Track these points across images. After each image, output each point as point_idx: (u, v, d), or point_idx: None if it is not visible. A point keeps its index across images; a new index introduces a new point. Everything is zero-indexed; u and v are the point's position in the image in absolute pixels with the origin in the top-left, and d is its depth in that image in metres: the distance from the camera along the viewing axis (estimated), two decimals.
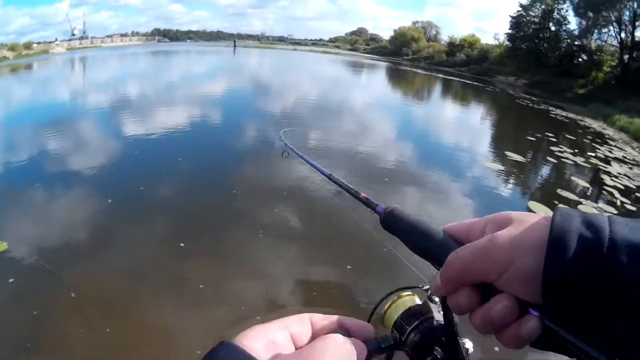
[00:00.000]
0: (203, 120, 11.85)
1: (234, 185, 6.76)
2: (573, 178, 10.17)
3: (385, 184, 7.73)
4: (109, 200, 5.82)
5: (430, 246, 0.63)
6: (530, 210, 7.30)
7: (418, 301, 0.75)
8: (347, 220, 5.65)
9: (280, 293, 4.21)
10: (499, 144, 13.38)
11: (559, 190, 8.71)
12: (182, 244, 4.78)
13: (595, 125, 21.69)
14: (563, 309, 0.48)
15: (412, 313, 0.72)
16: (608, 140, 17.16)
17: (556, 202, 7.88)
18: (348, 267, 4.72)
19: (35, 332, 3.30)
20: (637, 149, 16.67)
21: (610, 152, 14.46)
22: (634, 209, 8.49)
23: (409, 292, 0.77)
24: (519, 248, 0.52)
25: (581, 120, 22.56)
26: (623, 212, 8.10)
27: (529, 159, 11.56)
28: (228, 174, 7.52)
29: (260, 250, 4.93)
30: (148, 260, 4.48)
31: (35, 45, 31.63)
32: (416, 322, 0.70)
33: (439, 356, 0.66)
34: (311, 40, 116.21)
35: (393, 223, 0.72)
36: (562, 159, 11.74)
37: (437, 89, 32.51)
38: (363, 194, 0.89)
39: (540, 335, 0.51)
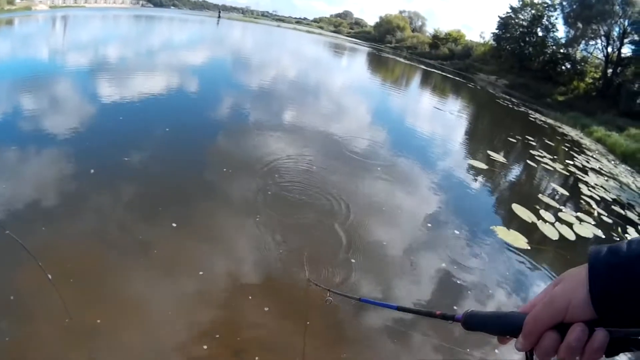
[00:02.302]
0: (188, 94, 11.24)
1: (224, 162, 6.45)
2: (552, 184, 10.29)
3: (379, 173, 7.62)
4: (92, 171, 5.35)
5: (511, 325, 0.82)
6: (513, 212, 7.38)
7: None
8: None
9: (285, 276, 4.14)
10: (482, 142, 13.43)
11: (539, 195, 8.80)
12: (174, 224, 4.54)
13: (573, 133, 22.12)
14: (612, 312, 0.68)
15: None
16: (585, 150, 17.49)
17: (537, 206, 7.94)
18: (352, 261, 4.61)
19: (12, 321, 3.01)
20: (613, 162, 17.04)
21: (588, 162, 14.71)
22: (610, 221, 8.61)
23: None
24: (571, 288, 0.73)
25: (559, 127, 22.97)
26: (599, 223, 8.19)
27: (509, 160, 11.59)
28: (217, 151, 7.16)
29: (258, 234, 4.72)
30: (139, 240, 4.18)
31: (18, 1, 30.41)
32: None
33: None
34: (295, 18, 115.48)
35: (474, 323, 0.92)
36: (542, 164, 11.84)
37: (420, 80, 32.51)
38: (438, 311, 1.11)
39: (609, 343, 0.68)
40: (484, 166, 9.89)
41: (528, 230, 6.84)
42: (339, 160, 7.72)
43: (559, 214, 8.02)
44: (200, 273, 3.88)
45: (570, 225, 7.58)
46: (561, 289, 0.75)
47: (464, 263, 5.31)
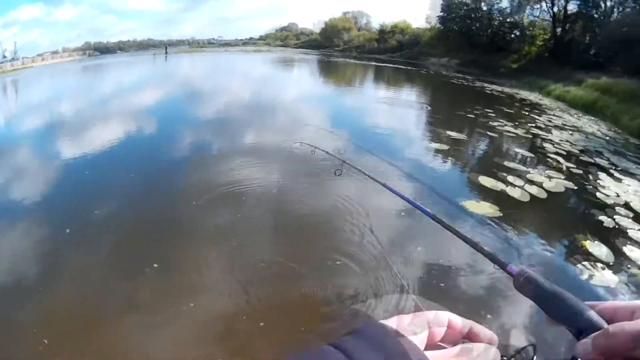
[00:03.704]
0: (147, 134, 11.47)
1: (192, 195, 6.47)
2: (517, 149, 10.49)
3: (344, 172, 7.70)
4: (67, 230, 5.42)
5: (577, 315, 0.68)
6: (480, 185, 7.52)
7: None
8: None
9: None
10: (441, 125, 13.53)
11: (505, 163, 8.97)
12: (155, 265, 4.57)
13: (532, 97, 22.61)
14: None
15: None
16: (546, 110, 17.91)
17: (504, 174, 8.09)
18: (337, 262, 4.68)
19: None
20: (575, 115, 17.46)
21: (550, 121, 15.09)
22: (580, 171, 8.83)
23: None
24: None
25: (517, 94, 23.46)
26: (569, 176, 8.39)
27: (471, 136, 11.81)
28: (183, 185, 7.18)
29: (240, 262, 4.74)
30: (130, 289, 4.25)
31: None
32: None
33: None
34: (241, 40, 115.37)
35: (529, 289, 0.78)
36: (504, 133, 12.07)
37: (373, 77, 32.82)
38: (487, 247, 0.97)
39: None
40: (445, 147, 10.06)
41: (498, 198, 6.98)
42: (303, 171, 7.79)
43: (528, 176, 8.20)
44: (191, 305, 3.92)
45: (540, 184, 7.77)
46: None
47: (437, 243, 5.36)
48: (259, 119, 13.26)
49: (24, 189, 7.03)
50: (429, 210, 1.34)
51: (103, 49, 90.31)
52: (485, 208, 6.52)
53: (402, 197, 1.72)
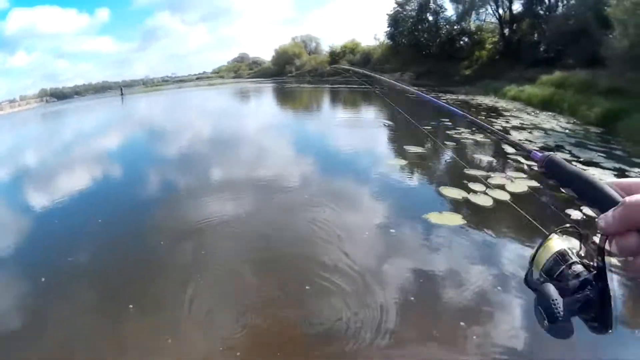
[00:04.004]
0: (111, 178, 11.84)
1: (159, 236, 6.71)
2: (477, 155, 10.52)
3: (308, 198, 7.89)
4: (42, 279, 5.59)
5: (596, 192, 0.77)
6: (443, 195, 7.52)
7: (563, 245, 0.84)
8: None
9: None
10: (397, 140, 13.61)
11: (466, 170, 8.94)
12: (130, 306, 4.73)
13: (487, 100, 22.95)
14: None
15: (559, 256, 0.82)
16: (503, 112, 18.17)
17: (465, 181, 8.06)
18: (307, 288, 4.82)
19: None
20: (533, 113, 17.66)
21: (507, 122, 15.27)
22: (543, 170, 8.77)
23: (557, 237, 0.86)
24: None
25: (473, 99, 23.80)
26: (532, 175, 8.37)
27: (429, 148, 11.79)
28: (150, 227, 7.41)
29: (211, 295, 4.94)
30: (102, 332, 4.38)
31: None
32: (563, 267, 0.80)
33: (590, 294, 0.74)
34: (195, 75, 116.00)
35: (555, 171, 0.87)
36: (462, 140, 12.08)
37: (329, 100, 33.06)
38: (512, 138, 1.05)
39: None
40: (404, 162, 10.13)
41: (461, 206, 7.01)
42: (268, 201, 8.07)
43: (489, 180, 8.22)
44: (169, 341, 4.07)
45: (502, 187, 7.76)
46: None
47: (405, 257, 5.52)
48: (223, 156, 13.43)
49: None
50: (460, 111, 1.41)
51: (60, 95, 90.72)
52: (448, 218, 6.53)
53: (434, 102, 1.70)
